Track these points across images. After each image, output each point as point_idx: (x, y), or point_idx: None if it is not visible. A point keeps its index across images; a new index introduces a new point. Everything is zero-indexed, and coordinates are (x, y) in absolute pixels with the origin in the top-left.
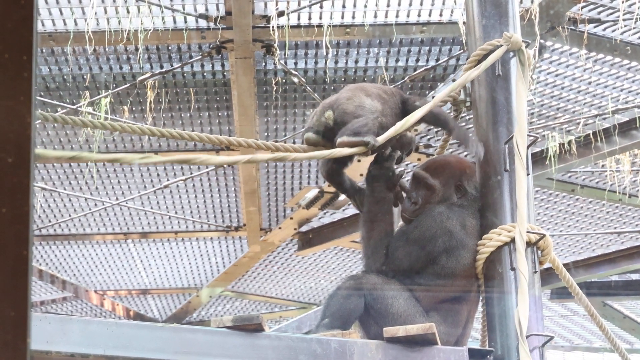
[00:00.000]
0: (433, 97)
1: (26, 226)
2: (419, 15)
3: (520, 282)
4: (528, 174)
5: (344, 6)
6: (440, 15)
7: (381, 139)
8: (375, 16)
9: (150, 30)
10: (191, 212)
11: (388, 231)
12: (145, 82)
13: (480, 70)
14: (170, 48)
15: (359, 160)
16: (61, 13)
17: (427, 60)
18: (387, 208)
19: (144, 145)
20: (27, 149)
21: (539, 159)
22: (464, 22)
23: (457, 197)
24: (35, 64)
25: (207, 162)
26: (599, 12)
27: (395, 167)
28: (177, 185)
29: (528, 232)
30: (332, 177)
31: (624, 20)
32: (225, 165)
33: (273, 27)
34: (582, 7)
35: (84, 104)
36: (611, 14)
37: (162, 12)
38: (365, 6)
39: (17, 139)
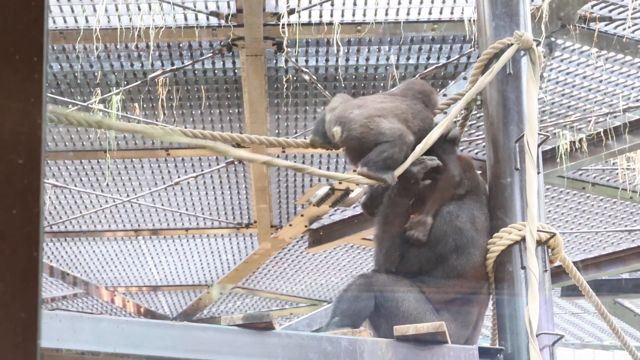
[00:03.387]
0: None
1: (36, 228)
2: (429, 13)
3: (531, 280)
4: (539, 173)
5: (354, 4)
6: (451, 13)
7: (398, 172)
8: (386, 14)
9: (161, 27)
10: (202, 209)
11: (401, 233)
12: (156, 80)
13: (493, 73)
14: (181, 45)
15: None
16: (72, 10)
17: (438, 58)
18: (401, 211)
19: (154, 142)
20: (37, 151)
21: (549, 157)
22: (474, 20)
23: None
24: (46, 65)
25: (227, 154)
26: (610, 11)
27: (418, 175)
28: (188, 182)
29: (538, 230)
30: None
31: (634, 18)
32: (236, 163)
33: (284, 24)
34: (593, 6)
35: (95, 101)
36: (622, 12)
37: (173, 9)
38: (376, 4)
39: (28, 140)
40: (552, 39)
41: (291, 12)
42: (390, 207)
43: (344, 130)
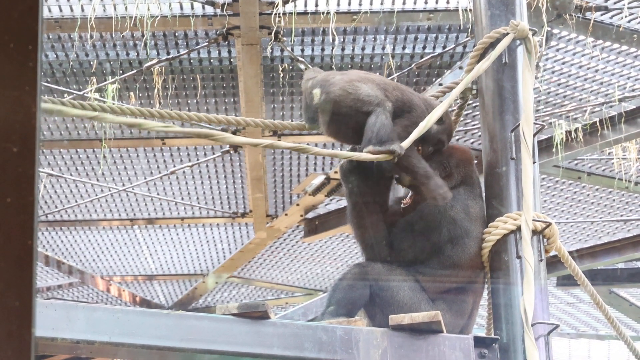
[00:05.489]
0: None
1: (31, 216)
2: (425, 2)
3: (526, 270)
4: (534, 162)
5: None
6: (447, 2)
7: (405, 144)
8: (382, 3)
9: (157, 16)
10: (197, 198)
11: (378, 220)
12: (151, 69)
13: (490, 61)
14: (176, 34)
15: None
16: None
17: (434, 48)
18: (369, 199)
19: (150, 132)
20: (32, 139)
21: (545, 147)
22: (469, 10)
23: (442, 176)
24: (41, 53)
25: (225, 141)
26: (606, 0)
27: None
28: (184, 172)
29: (534, 220)
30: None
31: (630, 8)
32: (231, 152)
33: (279, 13)
34: None
35: (91, 90)
36: (618, 1)
37: None
38: None
39: (23, 128)
40: (548, 29)
41: (287, 1)
42: (370, 195)
43: (323, 92)
